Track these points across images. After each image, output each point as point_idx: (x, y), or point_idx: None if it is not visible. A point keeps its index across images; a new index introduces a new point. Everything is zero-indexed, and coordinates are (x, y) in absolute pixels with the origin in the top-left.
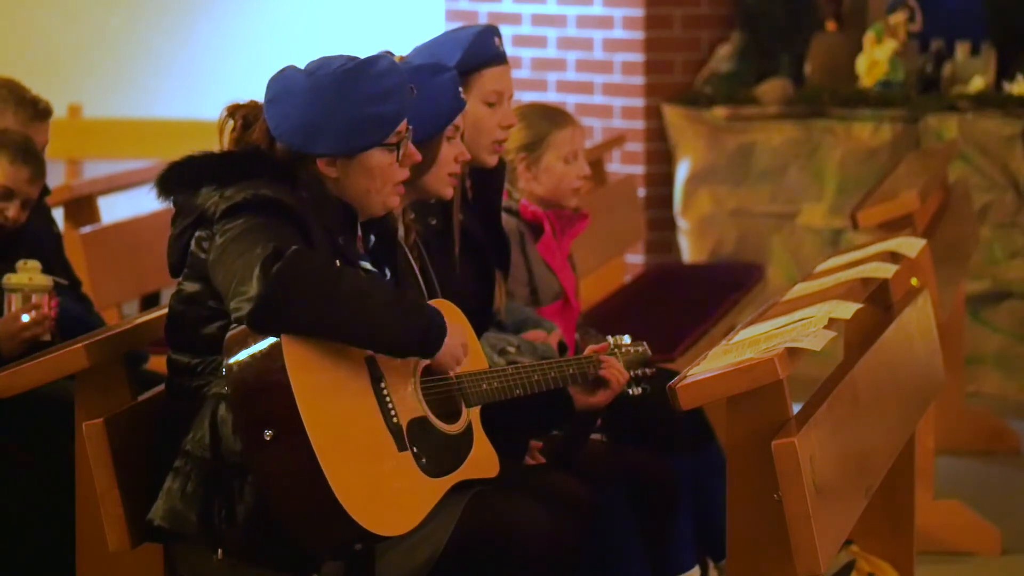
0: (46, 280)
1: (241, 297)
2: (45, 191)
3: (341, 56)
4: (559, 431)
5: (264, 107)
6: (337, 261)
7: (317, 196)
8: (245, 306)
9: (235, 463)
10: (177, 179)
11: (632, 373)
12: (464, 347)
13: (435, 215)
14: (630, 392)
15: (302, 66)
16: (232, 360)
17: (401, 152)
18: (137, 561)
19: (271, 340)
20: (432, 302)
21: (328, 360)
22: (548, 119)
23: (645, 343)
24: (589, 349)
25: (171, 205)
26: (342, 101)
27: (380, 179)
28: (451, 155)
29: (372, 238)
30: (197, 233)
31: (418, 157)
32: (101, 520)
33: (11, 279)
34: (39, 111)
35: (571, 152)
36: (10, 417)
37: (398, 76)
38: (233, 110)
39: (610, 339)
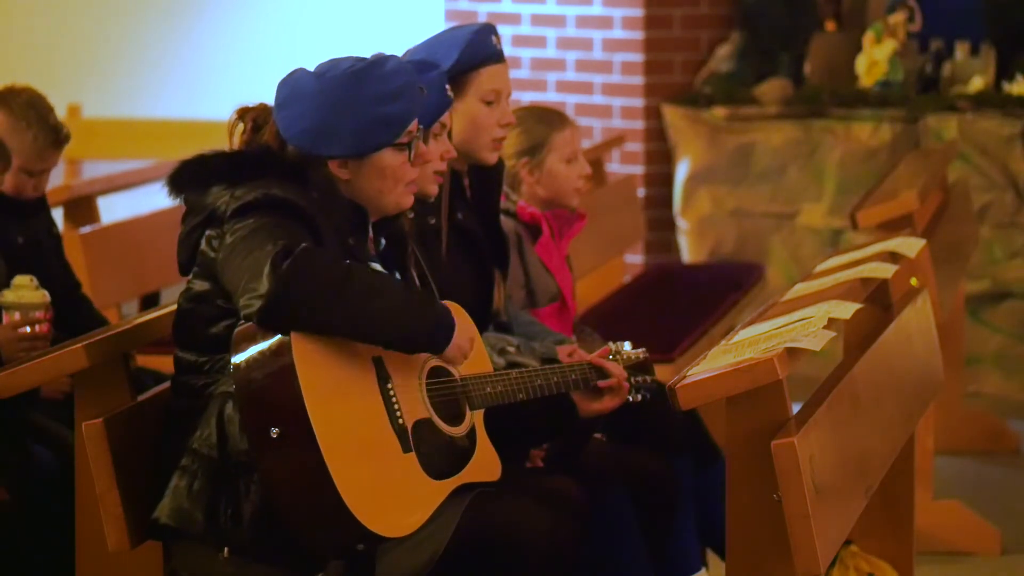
0: (39, 297)
1: (251, 294)
2: None
3: (349, 57)
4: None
5: (274, 110)
6: (347, 262)
7: (328, 197)
8: (255, 303)
9: (242, 462)
10: (188, 177)
11: (632, 380)
12: (470, 341)
13: (435, 214)
14: (630, 399)
15: (308, 67)
16: (240, 357)
17: (412, 152)
18: (137, 561)
19: (279, 337)
20: None
21: (336, 359)
22: (546, 122)
23: (644, 349)
24: (590, 356)
25: (181, 203)
26: (352, 102)
27: (392, 179)
28: (437, 152)
29: (383, 241)
30: (207, 232)
31: (430, 156)
32: (101, 520)
33: (7, 296)
34: (59, 139)
35: (571, 152)
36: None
37: (407, 76)
38: (243, 112)
39: (610, 345)
